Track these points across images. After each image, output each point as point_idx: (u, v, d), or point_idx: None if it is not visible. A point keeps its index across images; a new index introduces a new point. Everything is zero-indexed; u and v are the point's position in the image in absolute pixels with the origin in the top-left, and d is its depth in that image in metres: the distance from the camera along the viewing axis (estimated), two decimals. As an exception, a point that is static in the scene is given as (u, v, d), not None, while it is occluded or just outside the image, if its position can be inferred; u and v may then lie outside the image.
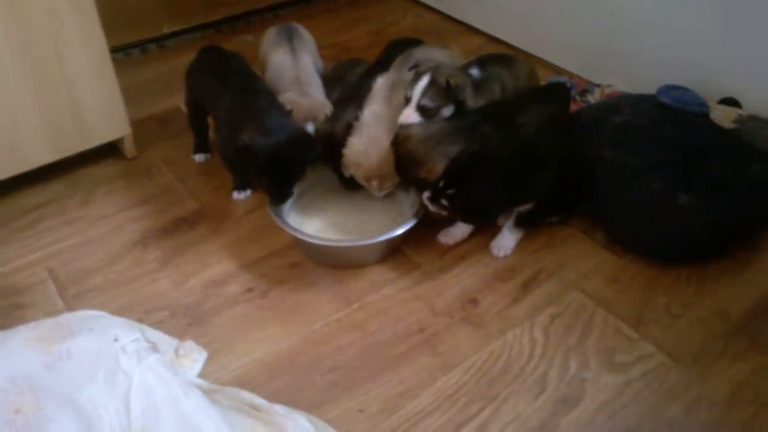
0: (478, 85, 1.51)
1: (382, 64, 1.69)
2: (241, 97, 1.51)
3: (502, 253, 1.49)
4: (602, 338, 1.32)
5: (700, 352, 1.30)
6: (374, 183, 1.50)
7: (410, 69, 1.49)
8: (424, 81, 1.41)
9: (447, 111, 1.44)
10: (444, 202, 1.37)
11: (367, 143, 1.48)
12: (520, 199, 1.45)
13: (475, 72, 1.52)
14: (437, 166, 1.33)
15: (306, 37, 1.84)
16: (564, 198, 1.54)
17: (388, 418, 1.18)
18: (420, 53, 1.64)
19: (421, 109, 1.41)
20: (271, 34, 1.82)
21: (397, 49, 1.71)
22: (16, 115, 1.53)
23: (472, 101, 1.48)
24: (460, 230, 1.52)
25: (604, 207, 1.53)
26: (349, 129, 1.52)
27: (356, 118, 1.53)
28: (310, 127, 1.55)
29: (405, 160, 1.38)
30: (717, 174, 1.43)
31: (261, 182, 1.50)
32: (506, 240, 1.50)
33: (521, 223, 1.49)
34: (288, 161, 1.44)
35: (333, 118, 1.58)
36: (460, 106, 1.45)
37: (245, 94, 1.52)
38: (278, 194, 1.48)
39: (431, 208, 1.41)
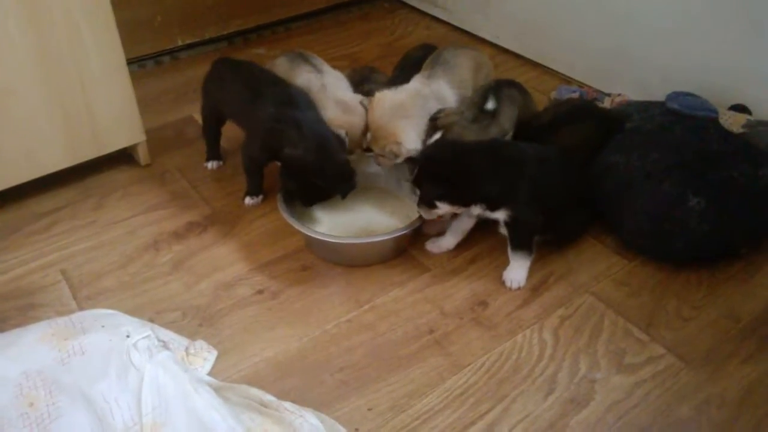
0: (496, 114, 1.58)
1: (406, 68, 1.83)
2: (282, 107, 1.52)
3: (514, 286, 1.44)
4: (612, 340, 1.32)
5: (710, 354, 1.29)
6: (368, 135, 1.59)
7: (431, 119, 1.57)
8: (437, 136, 1.53)
9: None
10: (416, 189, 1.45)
11: (390, 100, 1.58)
12: (492, 195, 1.41)
13: (491, 105, 1.58)
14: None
15: (317, 57, 1.83)
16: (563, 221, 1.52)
17: (397, 416, 1.18)
18: (448, 53, 1.73)
19: None
20: (282, 61, 1.77)
21: (420, 53, 1.87)
22: (33, 121, 1.56)
23: (498, 130, 1.57)
24: (447, 241, 1.54)
25: (614, 211, 1.53)
26: None
27: None
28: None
29: None
30: (726, 177, 1.43)
31: (297, 187, 1.53)
32: (514, 271, 1.45)
33: (517, 245, 1.44)
34: (327, 168, 1.49)
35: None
36: None
37: (285, 104, 1.53)
38: (315, 199, 1.56)
39: (421, 212, 1.46)
